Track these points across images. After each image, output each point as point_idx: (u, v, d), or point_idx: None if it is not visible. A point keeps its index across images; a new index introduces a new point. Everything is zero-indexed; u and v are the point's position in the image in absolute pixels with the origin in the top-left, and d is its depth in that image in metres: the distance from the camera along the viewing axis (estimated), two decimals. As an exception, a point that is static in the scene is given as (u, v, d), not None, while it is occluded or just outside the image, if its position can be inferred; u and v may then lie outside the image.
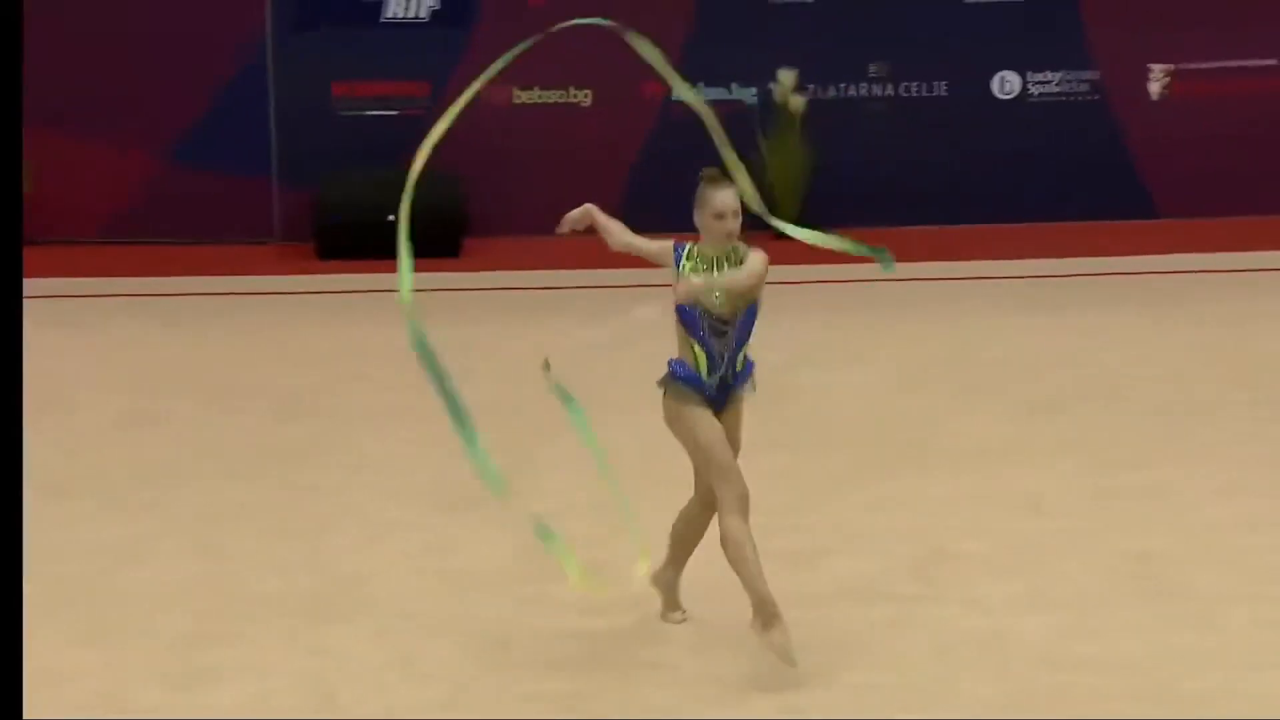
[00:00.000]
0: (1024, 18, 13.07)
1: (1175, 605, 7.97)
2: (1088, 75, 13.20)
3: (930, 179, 13.11)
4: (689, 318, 7.17)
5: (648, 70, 13.09)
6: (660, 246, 7.30)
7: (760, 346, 7.46)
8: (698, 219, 7.21)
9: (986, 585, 8.15)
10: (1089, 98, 13.19)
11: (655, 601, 7.90)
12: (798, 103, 13.01)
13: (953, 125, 13.14)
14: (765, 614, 7.02)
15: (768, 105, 13.08)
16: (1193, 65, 13.15)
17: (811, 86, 13.10)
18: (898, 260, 7.79)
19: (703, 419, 7.14)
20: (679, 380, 7.20)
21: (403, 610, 8.01)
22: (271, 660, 7.60)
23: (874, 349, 11.27)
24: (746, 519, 7.09)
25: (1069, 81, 13.22)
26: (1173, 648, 7.60)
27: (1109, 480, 9.28)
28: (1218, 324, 11.52)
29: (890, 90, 13.20)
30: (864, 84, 13.21)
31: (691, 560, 7.71)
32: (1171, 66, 13.17)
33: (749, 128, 12.99)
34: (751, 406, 7.42)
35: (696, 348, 7.19)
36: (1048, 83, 13.23)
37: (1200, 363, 10.87)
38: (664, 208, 13.18)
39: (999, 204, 13.04)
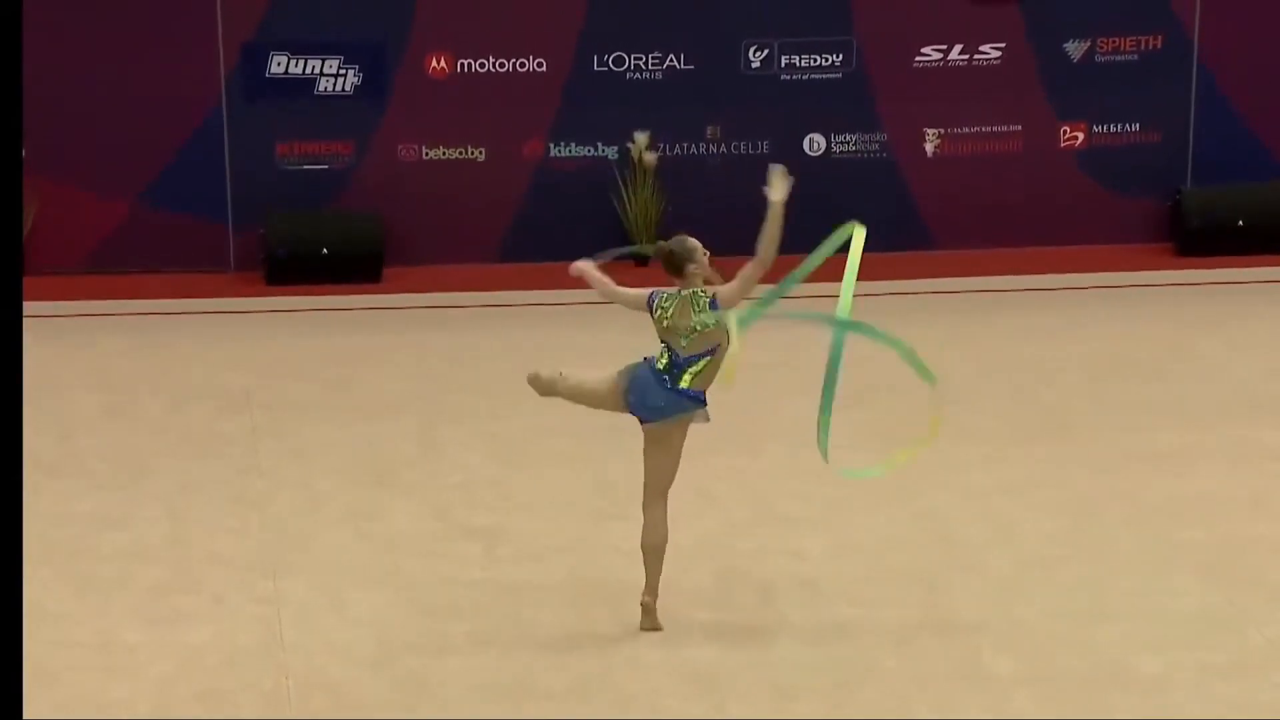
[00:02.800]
0: (828, 92, 13.15)
1: (950, 551, 8.02)
2: (878, 137, 13.27)
3: (756, 219, 13.10)
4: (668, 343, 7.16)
5: (531, 133, 13.17)
6: (636, 295, 7.17)
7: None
8: (697, 266, 7.12)
9: (806, 539, 8.16)
10: (879, 155, 13.26)
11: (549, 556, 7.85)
12: (650, 158, 12.99)
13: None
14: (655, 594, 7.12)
15: (626, 160, 13.06)
16: (958, 129, 13.26)
17: (662, 145, 13.10)
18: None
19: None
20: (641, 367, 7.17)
21: (338, 565, 7.92)
22: (229, 606, 7.49)
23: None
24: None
25: (864, 142, 13.28)
26: (953, 584, 7.64)
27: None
28: (984, 332, 11.61)
29: (723, 148, 13.22)
30: (703, 143, 13.22)
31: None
32: (941, 130, 13.27)
33: (611, 178, 13.00)
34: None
35: (665, 354, 7.12)
36: (847, 143, 13.29)
37: (970, 363, 10.94)
38: (540, 243, 13.18)
39: (811, 239, 13.06)
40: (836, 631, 7.21)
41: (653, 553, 7.10)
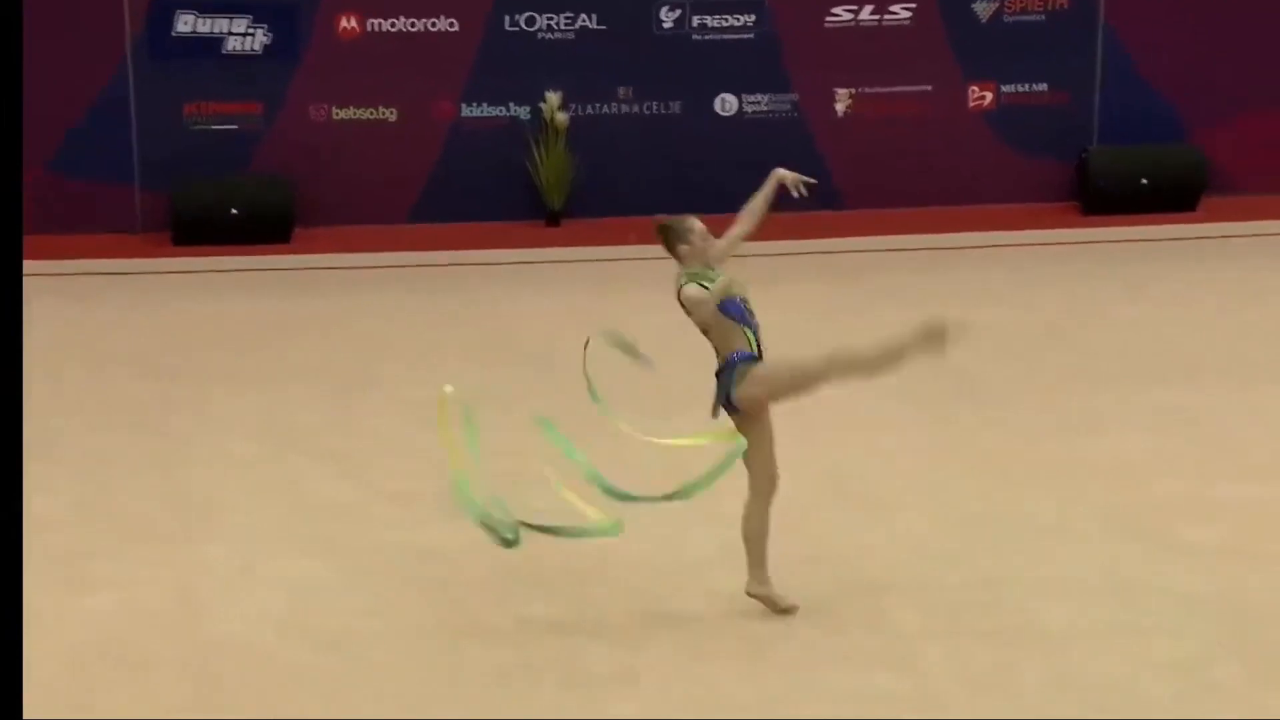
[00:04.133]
0: (740, 52, 13.15)
1: (863, 511, 8.09)
2: (789, 97, 13.29)
3: (667, 178, 13.15)
4: (735, 310, 6.81)
5: (442, 93, 13.08)
6: (705, 299, 6.78)
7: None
8: (688, 249, 6.93)
9: (722, 500, 8.20)
10: (790, 115, 13.29)
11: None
12: (562, 119, 12.95)
13: (685, 136, 13.19)
14: (764, 582, 6.93)
15: (538, 120, 13.01)
16: (868, 89, 13.30)
17: (573, 105, 13.05)
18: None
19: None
20: (748, 361, 6.78)
21: (253, 531, 7.88)
22: (143, 570, 7.44)
23: (636, 315, 11.26)
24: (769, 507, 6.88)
25: (775, 102, 13.30)
26: (864, 543, 7.71)
27: (805, 415, 9.36)
28: (893, 292, 11.68)
29: (636, 109, 13.20)
30: (615, 103, 13.19)
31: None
32: (852, 90, 13.31)
33: (524, 138, 12.95)
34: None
35: (747, 331, 6.82)
36: (759, 103, 13.30)
37: (882, 324, 11.00)
38: (452, 203, 13.12)
39: (724, 199, 13.10)
40: (737, 581, 7.25)
41: (746, 542, 6.92)
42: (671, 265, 7.18)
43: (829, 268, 12.15)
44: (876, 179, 13.30)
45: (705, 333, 6.88)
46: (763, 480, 6.90)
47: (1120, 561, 7.46)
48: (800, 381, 6.79)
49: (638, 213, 13.14)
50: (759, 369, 6.78)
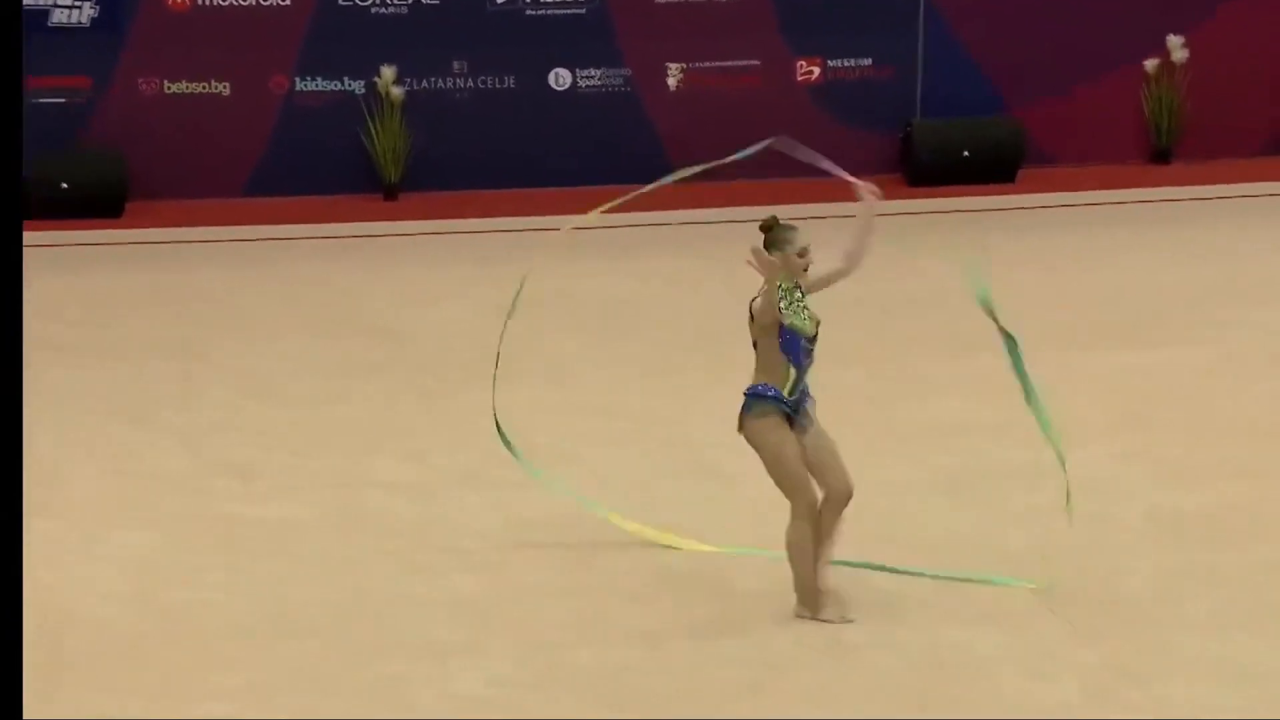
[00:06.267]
0: (573, 27, 13.14)
1: (707, 479, 8.15)
2: (622, 72, 13.31)
3: (503, 152, 13.10)
4: (792, 344, 6.61)
5: (275, 67, 12.88)
6: (769, 301, 6.60)
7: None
8: (780, 257, 6.66)
9: (564, 470, 8.21)
10: (623, 89, 13.31)
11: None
12: (397, 93, 12.83)
13: (520, 110, 13.15)
14: (813, 602, 6.67)
15: (373, 95, 12.88)
16: (698, 64, 13.36)
17: (408, 80, 12.94)
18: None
19: (789, 438, 6.59)
20: (769, 400, 6.59)
21: (94, 504, 7.73)
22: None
23: (471, 288, 11.22)
24: (810, 525, 6.58)
25: (608, 76, 13.31)
26: (704, 511, 7.78)
27: (658, 382, 9.41)
28: (727, 264, 11.73)
29: (470, 83, 13.12)
30: (450, 78, 13.10)
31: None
32: (683, 65, 13.36)
33: (359, 113, 12.81)
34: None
35: (792, 370, 6.60)
36: (592, 77, 13.30)
37: (723, 295, 11.08)
38: (287, 177, 12.94)
39: (557, 172, 13.12)
40: (586, 553, 7.28)
41: (788, 551, 6.69)
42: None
43: (662, 240, 12.21)
44: (708, 152, 13.33)
45: (754, 344, 6.68)
46: (793, 499, 6.62)
47: (959, 524, 7.60)
48: (779, 482, 6.61)
49: (474, 186, 13.08)
50: (766, 438, 6.55)
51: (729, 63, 13.44)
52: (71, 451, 8.36)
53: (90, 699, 6.10)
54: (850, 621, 6.64)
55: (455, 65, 13.07)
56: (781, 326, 6.61)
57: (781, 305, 6.63)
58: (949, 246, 11.96)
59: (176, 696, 6.09)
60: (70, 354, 9.80)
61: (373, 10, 12.94)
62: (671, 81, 13.36)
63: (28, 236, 12.10)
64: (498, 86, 13.13)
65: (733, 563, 7.26)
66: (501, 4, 13.07)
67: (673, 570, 7.19)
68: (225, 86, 12.87)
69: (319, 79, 12.96)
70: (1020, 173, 13.19)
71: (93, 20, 12.67)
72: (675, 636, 6.66)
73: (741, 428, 6.67)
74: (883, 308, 10.66)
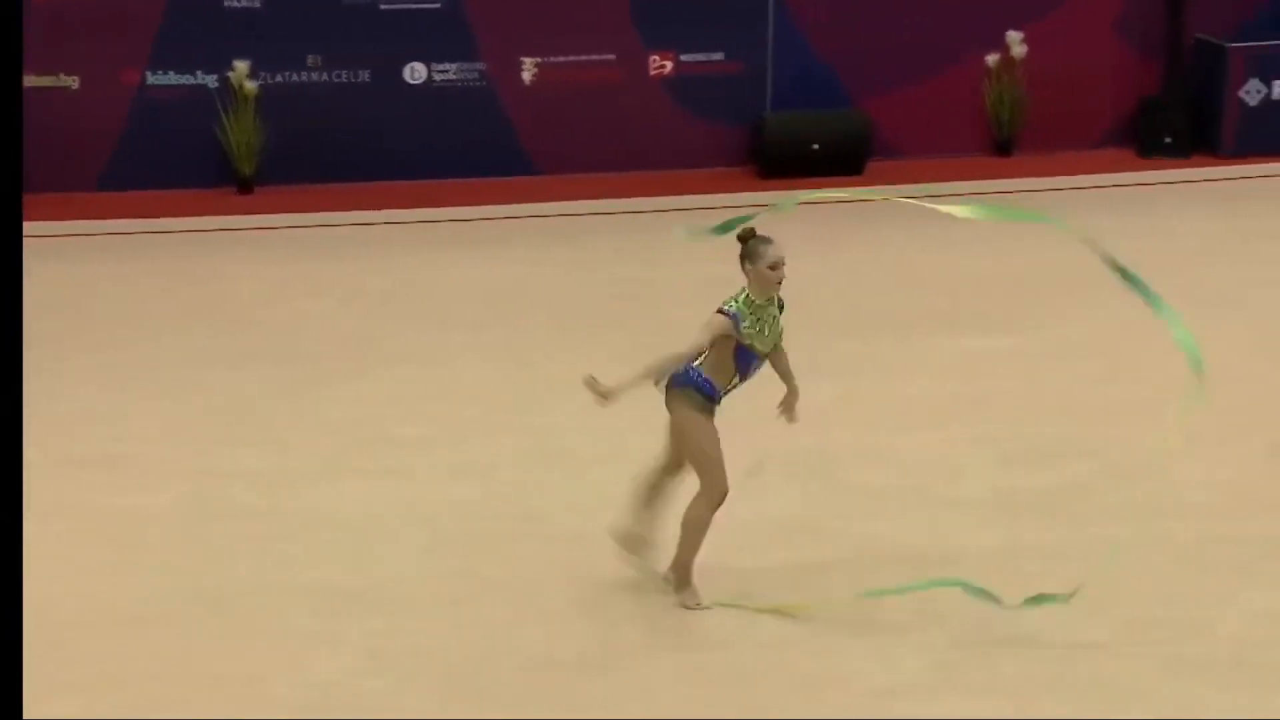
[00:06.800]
0: (427, 21, 13.15)
1: (560, 465, 8.24)
2: (477, 66, 13.35)
3: (359, 146, 13.09)
4: (744, 358, 6.70)
5: (127, 61, 12.75)
6: (715, 330, 6.64)
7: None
8: (751, 270, 6.69)
9: (417, 458, 8.27)
10: (479, 83, 13.36)
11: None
12: (251, 87, 12.77)
13: (375, 104, 13.15)
14: (682, 580, 6.80)
15: (226, 89, 12.81)
16: (553, 58, 13.43)
17: (263, 74, 12.89)
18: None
19: (711, 426, 6.71)
20: (703, 393, 6.68)
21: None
22: None
23: (326, 281, 11.22)
24: (714, 512, 6.72)
25: (463, 71, 13.35)
26: (558, 495, 7.87)
27: (521, 372, 9.49)
28: (583, 255, 11.84)
29: (325, 77, 13.10)
30: (304, 72, 13.07)
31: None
32: (538, 59, 13.43)
33: (212, 107, 12.74)
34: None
35: (736, 378, 6.72)
36: (447, 72, 13.33)
37: (578, 287, 11.18)
38: (140, 171, 12.83)
39: (413, 166, 13.14)
40: (445, 542, 7.36)
41: (684, 525, 6.79)
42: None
43: (518, 233, 12.28)
44: (565, 146, 13.46)
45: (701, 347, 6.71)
46: (707, 479, 6.72)
47: (797, 506, 7.77)
48: (698, 464, 6.70)
49: (330, 180, 13.06)
50: (693, 422, 6.63)
51: (583, 57, 13.53)
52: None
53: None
54: (706, 609, 6.75)
55: (310, 59, 13.04)
56: (741, 347, 6.67)
57: (744, 326, 6.67)
58: (800, 237, 12.20)
59: (26, 690, 6.08)
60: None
61: (226, 4, 12.88)
62: (526, 76, 13.43)
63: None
64: (352, 80, 13.13)
65: (586, 552, 7.38)
66: (356, -1, 13.06)
67: (526, 559, 7.29)
68: (75, 80, 12.74)
69: (171, 72, 12.87)
70: (868, 164, 13.44)
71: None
72: (530, 624, 6.76)
73: (670, 403, 6.69)
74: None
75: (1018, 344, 9.88)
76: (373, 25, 13.08)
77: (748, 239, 6.74)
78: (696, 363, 6.72)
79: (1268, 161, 13.30)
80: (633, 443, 8.48)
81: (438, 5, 13.19)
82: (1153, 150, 13.54)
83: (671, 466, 6.93)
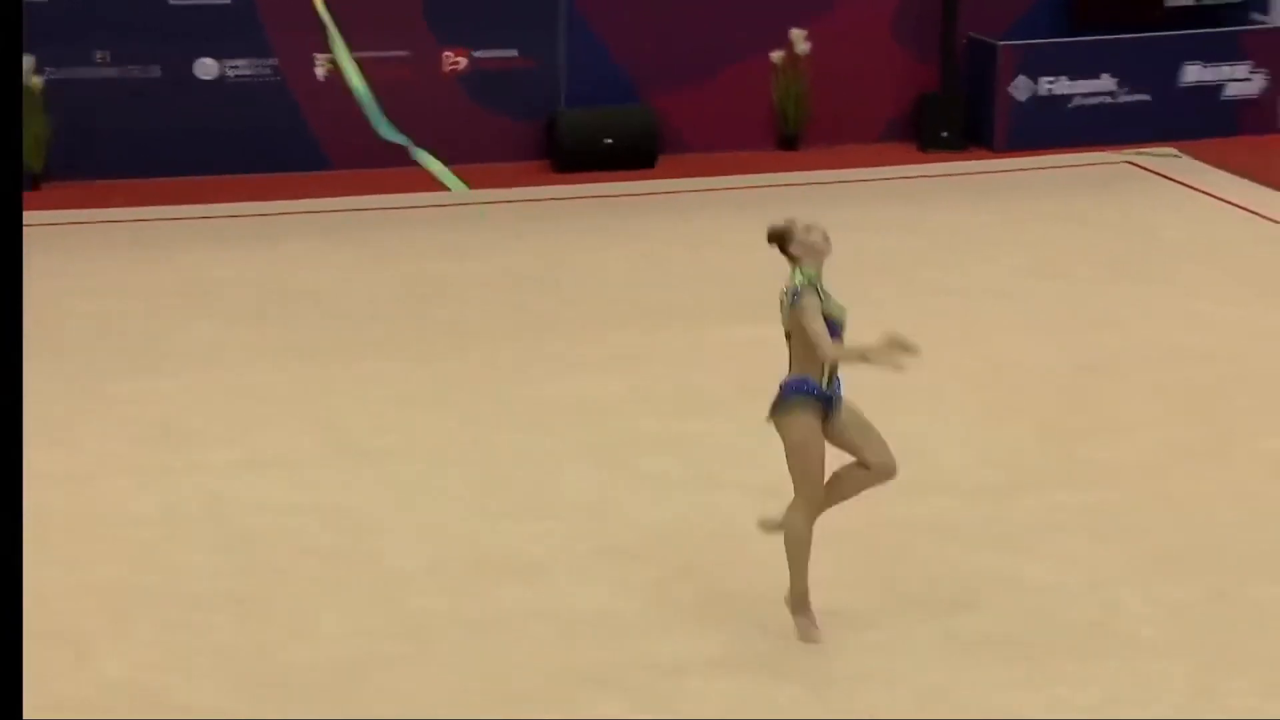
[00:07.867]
0: (218, 17, 13.00)
1: (357, 461, 8.24)
2: (269, 61, 13.23)
3: (151, 142, 12.90)
4: (832, 333, 6.42)
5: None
6: (815, 310, 6.36)
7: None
8: (801, 245, 6.44)
9: (213, 453, 8.20)
10: (272, 78, 13.23)
11: None
12: (37, 82, 12.50)
13: (167, 100, 12.96)
14: (798, 604, 6.62)
15: (12, 84, 12.51)
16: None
17: (48, 69, 12.63)
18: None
19: (818, 434, 6.45)
20: (806, 394, 6.42)
21: None
22: None
23: (117, 277, 11.05)
24: (813, 522, 6.51)
25: (256, 66, 13.21)
26: (359, 491, 7.87)
27: (307, 365, 9.44)
28: (380, 250, 11.82)
29: (114, 72, 12.87)
30: (92, 67, 12.83)
31: None
32: (331, 55, 13.30)
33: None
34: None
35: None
36: (239, 67, 13.19)
37: (374, 283, 11.16)
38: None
39: (205, 162, 12.99)
40: (244, 541, 7.33)
41: (786, 541, 6.59)
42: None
43: (313, 226, 12.21)
44: (359, 140, 13.38)
45: (787, 336, 6.51)
46: (803, 490, 6.52)
47: (595, 492, 7.88)
48: (797, 482, 6.50)
49: (120, 175, 12.84)
50: (796, 430, 6.42)
51: (378, 53, 13.49)
52: None
53: None
54: (816, 643, 6.56)
55: (98, 55, 12.82)
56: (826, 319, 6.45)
57: (820, 297, 6.45)
58: (594, 229, 12.33)
59: None
60: None
61: None
62: (320, 72, 13.34)
63: None
64: (142, 76, 12.94)
65: (393, 537, 7.39)
66: (145, -8, 12.87)
67: (318, 547, 7.29)
68: None
69: (-45, 68, 12.56)
70: (660, 159, 13.61)
71: None
72: (326, 610, 6.77)
73: (773, 415, 6.50)
74: (523, 287, 10.91)
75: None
76: (162, 20, 12.91)
77: (782, 233, 6.55)
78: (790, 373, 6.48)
79: (1036, 154, 13.74)
80: (423, 433, 8.53)
81: (228, 1, 13.06)
82: (931, 144, 13.92)
83: (859, 460, 6.62)
